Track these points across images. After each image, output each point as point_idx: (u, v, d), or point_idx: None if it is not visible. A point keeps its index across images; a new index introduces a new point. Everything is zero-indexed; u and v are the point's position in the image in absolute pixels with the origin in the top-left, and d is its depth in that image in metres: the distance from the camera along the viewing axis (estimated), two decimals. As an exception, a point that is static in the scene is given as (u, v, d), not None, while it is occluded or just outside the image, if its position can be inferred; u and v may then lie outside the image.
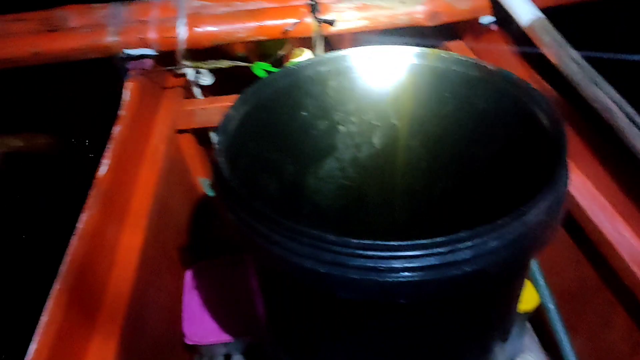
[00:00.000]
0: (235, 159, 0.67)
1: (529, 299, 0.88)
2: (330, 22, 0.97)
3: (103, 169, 0.77)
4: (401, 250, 0.47)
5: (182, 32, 0.94)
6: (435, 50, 0.73)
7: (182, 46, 0.95)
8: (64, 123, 1.50)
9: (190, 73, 1.08)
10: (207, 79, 1.11)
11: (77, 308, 0.63)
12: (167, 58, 1.02)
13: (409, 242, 0.47)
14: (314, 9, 0.96)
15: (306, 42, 1.05)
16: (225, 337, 0.89)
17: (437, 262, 0.48)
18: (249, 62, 1.10)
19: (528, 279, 0.89)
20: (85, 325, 0.66)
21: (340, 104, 0.78)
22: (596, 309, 0.83)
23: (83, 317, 0.66)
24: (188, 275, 0.98)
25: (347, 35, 1.54)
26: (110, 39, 0.95)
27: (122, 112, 0.89)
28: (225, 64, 0.98)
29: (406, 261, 0.48)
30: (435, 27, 1.04)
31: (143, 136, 0.93)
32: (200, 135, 1.17)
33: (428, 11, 0.98)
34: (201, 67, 1.02)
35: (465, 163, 0.77)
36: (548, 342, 0.93)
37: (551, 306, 0.87)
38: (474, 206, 0.79)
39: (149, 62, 0.98)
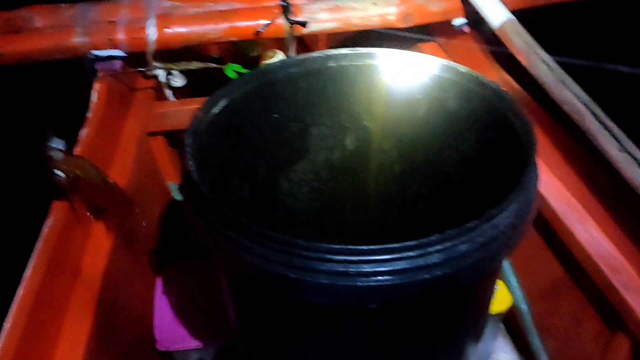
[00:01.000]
0: (205, 162, 0.66)
1: (501, 300, 0.88)
2: (303, 24, 0.96)
3: (69, 173, 0.75)
4: (371, 255, 0.47)
5: (151, 33, 0.92)
6: (407, 52, 0.73)
7: (151, 47, 0.93)
8: (29, 126, 1.47)
9: (161, 74, 1.07)
10: (179, 81, 1.10)
11: (39, 319, 0.62)
12: (137, 59, 1.00)
13: (379, 246, 0.47)
14: (286, 10, 0.95)
15: (280, 44, 1.04)
16: (197, 343, 0.88)
17: (407, 266, 0.47)
18: (223, 63, 1.09)
19: (501, 280, 0.90)
20: (49, 333, 0.64)
21: (312, 106, 0.78)
22: (568, 309, 0.84)
23: (47, 325, 0.64)
24: (159, 280, 0.96)
25: (322, 36, 1.55)
26: (77, 39, 0.93)
27: (90, 115, 0.87)
28: (196, 65, 0.97)
29: (376, 265, 0.47)
30: (410, 28, 1.04)
31: (111, 139, 0.91)
32: (172, 137, 1.15)
33: (400, 13, 0.98)
34: (172, 69, 1.01)
35: (437, 165, 0.77)
36: (521, 343, 0.93)
37: (523, 307, 0.87)
38: (447, 208, 0.79)
39: (118, 64, 0.96)
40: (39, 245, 0.66)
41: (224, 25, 0.95)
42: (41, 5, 0.99)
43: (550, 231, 0.82)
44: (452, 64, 0.69)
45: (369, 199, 0.87)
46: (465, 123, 0.70)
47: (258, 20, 0.96)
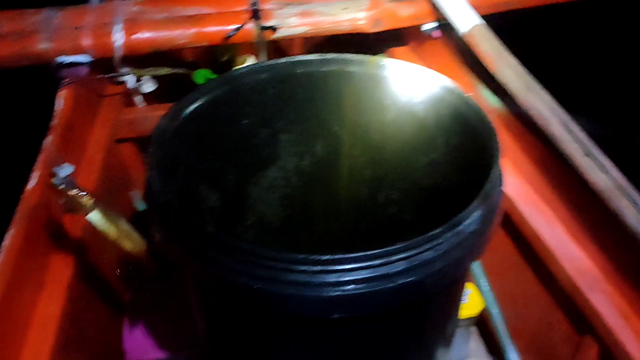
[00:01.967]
0: (171, 170, 0.65)
1: (473, 304, 0.88)
2: (273, 29, 0.95)
3: (32, 182, 0.74)
4: (334, 264, 0.46)
5: (118, 39, 0.91)
6: (375, 58, 0.72)
7: (118, 53, 0.92)
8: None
9: (130, 80, 1.05)
10: (149, 86, 1.09)
11: (1, 331, 0.60)
12: (105, 65, 0.98)
13: (342, 256, 0.46)
14: (255, 15, 0.94)
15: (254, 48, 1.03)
16: (166, 353, 0.87)
17: (371, 275, 0.47)
18: (196, 68, 1.08)
19: (472, 284, 0.90)
20: (13, 345, 0.63)
21: (281, 112, 0.77)
22: (538, 313, 0.84)
23: (10, 337, 0.63)
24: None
25: (297, 40, 1.54)
26: (42, 45, 0.91)
27: (55, 122, 0.85)
28: (164, 71, 0.95)
29: (340, 275, 0.47)
30: (382, 33, 1.04)
31: (78, 146, 0.90)
32: (143, 144, 1.14)
33: (370, 18, 0.98)
34: (141, 74, 0.99)
35: (407, 170, 0.77)
36: (494, 346, 0.93)
37: (495, 310, 0.88)
38: (418, 213, 0.80)
39: (84, 70, 0.95)
40: (1, 257, 0.64)
41: (193, 30, 0.94)
42: (5, 11, 0.97)
43: (519, 235, 0.83)
44: (420, 69, 0.69)
45: (340, 204, 0.87)
46: (433, 128, 0.70)
47: (227, 25, 0.95)
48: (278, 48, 1.58)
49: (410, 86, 0.70)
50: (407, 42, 1.20)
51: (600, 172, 0.63)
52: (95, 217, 0.66)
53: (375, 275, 0.47)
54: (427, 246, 0.48)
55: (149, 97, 1.13)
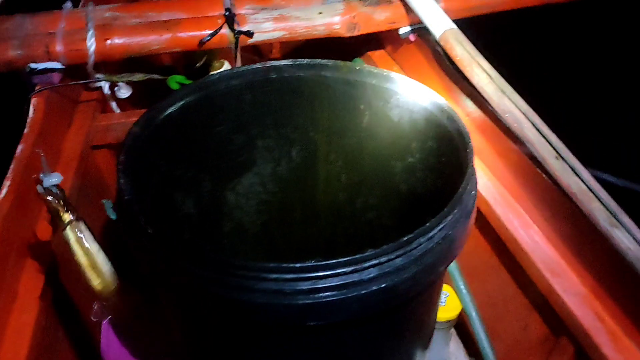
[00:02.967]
0: (145, 178, 0.64)
1: (452, 306, 0.88)
2: (248, 34, 0.95)
3: (2, 192, 0.72)
4: (306, 272, 0.46)
5: (90, 45, 0.89)
6: (348, 63, 0.72)
7: (91, 59, 0.91)
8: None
9: (106, 86, 1.04)
10: (124, 92, 1.07)
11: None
12: (78, 71, 0.97)
13: (313, 263, 0.46)
14: (230, 20, 0.94)
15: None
16: (144, 362, 0.86)
17: (343, 282, 0.47)
18: (173, 73, 1.07)
19: (451, 286, 0.90)
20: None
21: (256, 118, 0.77)
22: (515, 315, 0.85)
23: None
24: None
25: (275, 44, 1.54)
26: (13, 52, 0.89)
27: (27, 130, 0.84)
28: (138, 77, 0.94)
29: (312, 282, 0.46)
30: (359, 37, 1.04)
31: (51, 154, 0.88)
32: (119, 150, 1.12)
33: (345, 22, 0.98)
34: (114, 80, 0.98)
35: (384, 175, 0.77)
36: (473, 348, 0.94)
37: (473, 313, 0.88)
38: (395, 218, 0.80)
39: (57, 76, 0.93)
40: None
41: (167, 35, 0.93)
42: (-25, 18, 0.95)
43: (496, 237, 0.83)
44: (393, 73, 0.69)
45: (318, 209, 0.87)
46: (407, 133, 0.70)
47: (202, 30, 0.94)
48: (259, 51, 1.58)
49: (384, 91, 0.71)
50: (384, 46, 1.21)
51: (571, 174, 0.64)
52: (68, 235, 0.64)
53: (348, 282, 0.47)
54: (399, 252, 0.48)
55: (124, 103, 1.11)
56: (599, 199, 0.61)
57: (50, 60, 0.90)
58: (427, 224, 0.49)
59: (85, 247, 0.66)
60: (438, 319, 0.85)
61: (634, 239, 0.58)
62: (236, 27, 0.94)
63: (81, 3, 1.08)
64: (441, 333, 0.91)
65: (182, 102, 0.69)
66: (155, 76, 0.95)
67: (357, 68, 0.72)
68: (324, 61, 0.73)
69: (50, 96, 0.92)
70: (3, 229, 0.69)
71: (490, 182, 0.86)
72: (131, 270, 0.95)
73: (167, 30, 0.93)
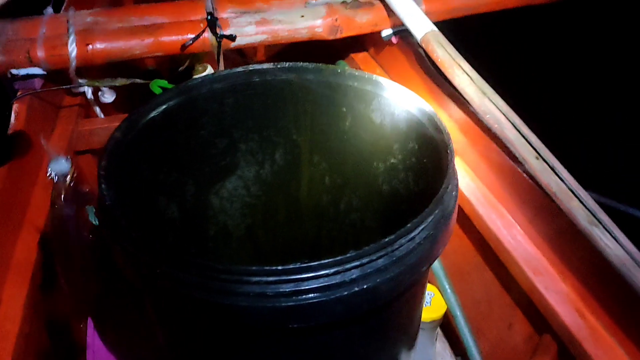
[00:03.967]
0: (128, 183, 0.64)
1: (437, 306, 0.89)
2: (231, 37, 0.95)
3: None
4: (288, 274, 0.46)
5: (72, 50, 0.89)
6: (330, 66, 0.73)
7: (73, 64, 0.90)
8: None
9: (89, 91, 1.04)
10: (108, 97, 1.07)
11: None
12: (60, 77, 0.97)
13: (295, 266, 0.46)
14: (212, 24, 0.94)
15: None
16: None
17: (325, 284, 0.47)
18: (156, 77, 1.06)
19: (436, 286, 0.91)
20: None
21: (239, 122, 0.77)
22: (499, 313, 0.86)
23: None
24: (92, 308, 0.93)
25: (260, 47, 1.55)
26: (-6, 58, 0.89)
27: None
28: (121, 81, 0.94)
29: (294, 285, 0.47)
30: (342, 39, 1.05)
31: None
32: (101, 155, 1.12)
33: (328, 25, 0.99)
34: (96, 85, 0.98)
35: (366, 176, 0.77)
36: (459, 348, 0.94)
37: (458, 313, 0.89)
38: (379, 219, 0.80)
39: (39, 82, 0.93)
40: None
41: (149, 40, 0.93)
42: (-46, 24, 0.95)
43: (480, 237, 0.84)
44: (374, 76, 0.70)
45: (302, 212, 0.87)
46: (389, 134, 0.71)
47: (184, 34, 0.94)
48: (243, 55, 1.58)
49: (366, 93, 0.71)
50: (367, 48, 1.22)
51: (551, 174, 0.65)
52: None
53: (331, 284, 0.47)
54: (380, 253, 0.48)
55: (108, 108, 1.11)
56: (578, 198, 0.62)
57: (31, 65, 0.90)
58: (409, 225, 0.49)
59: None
60: (423, 319, 0.85)
61: (612, 236, 0.59)
62: (218, 31, 0.94)
63: (62, 8, 1.08)
64: (427, 333, 0.91)
65: (164, 107, 0.69)
66: (138, 80, 0.95)
67: (339, 71, 0.72)
68: (306, 64, 0.73)
69: (32, 102, 0.91)
70: None
71: (473, 183, 0.87)
72: (117, 274, 0.95)
73: (149, 34, 0.93)
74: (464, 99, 0.81)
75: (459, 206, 0.84)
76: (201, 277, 0.47)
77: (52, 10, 1.00)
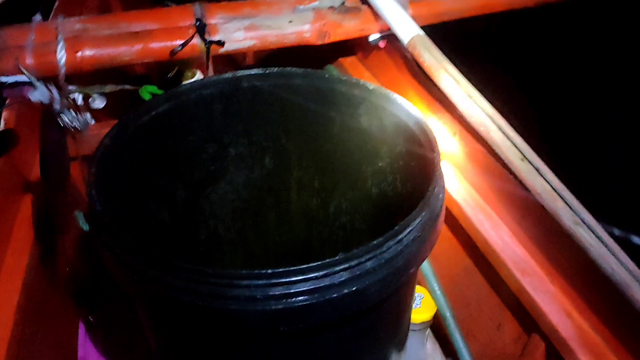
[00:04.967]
0: (119, 189, 0.64)
1: (428, 307, 0.90)
2: (220, 43, 0.96)
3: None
4: (277, 278, 0.47)
5: (61, 57, 0.89)
6: (318, 71, 0.73)
7: (62, 71, 0.90)
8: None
9: (79, 97, 1.04)
10: (99, 103, 1.07)
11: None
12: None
13: (285, 269, 0.47)
14: (201, 30, 0.94)
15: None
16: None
17: (314, 287, 0.47)
18: (151, 82, 1.06)
19: (425, 288, 0.91)
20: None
21: (228, 127, 0.78)
22: (489, 314, 0.86)
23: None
24: (83, 313, 0.93)
25: (249, 52, 1.55)
26: (-18, 66, 0.89)
27: (-2, 144, 0.83)
28: (110, 88, 0.94)
29: (284, 288, 0.47)
30: (330, 44, 1.06)
31: (23, 167, 0.88)
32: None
33: (315, 30, 0.99)
34: (86, 92, 0.98)
35: (355, 179, 0.78)
36: (449, 348, 0.95)
37: (447, 314, 0.89)
38: (368, 221, 0.81)
39: (28, 90, 0.93)
40: None
41: (138, 46, 0.93)
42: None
43: (468, 239, 0.85)
44: (361, 81, 0.70)
45: (292, 215, 0.88)
46: (377, 138, 0.72)
47: (173, 40, 0.94)
48: (232, 60, 1.59)
49: (354, 98, 0.72)
50: (355, 53, 1.23)
51: (536, 175, 0.65)
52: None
53: (319, 287, 0.48)
54: (369, 255, 0.49)
55: (99, 114, 1.11)
56: (563, 199, 0.63)
57: (21, 73, 0.90)
58: (396, 227, 0.50)
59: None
60: (414, 321, 0.86)
61: (596, 236, 0.60)
62: (207, 37, 0.95)
63: (51, 15, 1.08)
64: (417, 335, 0.92)
65: (153, 112, 0.69)
66: (127, 87, 0.95)
67: (327, 76, 0.73)
68: (295, 69, 0.74)
69: (21, 110, 0.91)
70: None
71: (461, 185, 0.88)
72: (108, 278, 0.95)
73: (138, 41, 0.93)
74: (451, 102, 0.82)
75: (447, 208, 0.85)
76: (191, 281, 0.48)
77: (40, 17, 1.00)
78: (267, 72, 0.74)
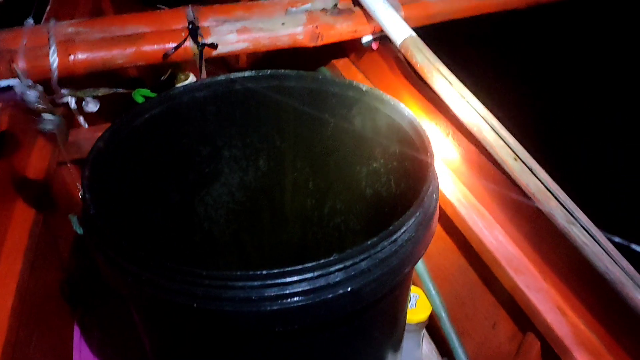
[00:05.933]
0: (112, 192, 0.64)
1: (423, 308, 0.90)
2: (212, 46, 0.96)
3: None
4: (272, 278, 0.47)
5: (53, 61, 0.89)
6: (311, 73, 0.74)
7: (55, 75, 0.90)
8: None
9: (72, 101, 1.03)
10: (92, 106, 1.06)
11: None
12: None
13: (279, 270, 0.47)
14: (194, 33, 0.94)
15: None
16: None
17: (309, 287, 0.48)
18: (144, 85, 1.06)
19: (420, 288, 0.92)
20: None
21: (221, 129, 0.78)
22: (484, 313, 0.87)
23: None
24: (78, 316, 0.93)
25: (242, 55, 1.55)
26: (-26, 70, 0.89)
27: (-10, 148, 0.83)
28: (103, 91, 0.94)
29: (279, 289, 0.47)
30: (324, 46, 1.06)
31: (16, 171, 0.88)
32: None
33: (308, 32, 1.00)
34: (79, 96, 0.98)
35: (349, 180, 0.78)
36: (445, 348, 0.95)
37: (442, 314, 0.90)
38: (363, 222, 0.81)
39: (22, 93, 0.92)
40: None
41: (131, 49, 0.93)
42: None
43: (462, 239, 0.85)
44: (354, 82, 0.70)
45: (287, 216, 0.88)
46: (371, 139, 0.72)
47: (166, 43, 0.94)
48: (225, 63, 1.59)
49: (347, 99, 0.72)
50: (348, 55, 1.23)
51: (529, 175, 0.66)
52: None
53: (314, 287, 0.48)
54: (363, 256, 0.49)
55: (93, 117, 1.11)
56: (556, 198, 0.63)
57: (13, 77, 0.90)
58: (391, 227, 0.50)
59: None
60: (409, 321, 0.86)
61: (590, 234, 0.61)
62: (200, 40, 0.95)
63: (43, 19, 1.07)
64: (413, 335, 0.92)
65: (146, 116, 0.69)
66: (120, 90, 0.95)
67: (320, 78, 0.73)
68: (288, 71, 0.74)
69: (14, 114, 0.91)
70: None
71: (454, 185, 0.88)
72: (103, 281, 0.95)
73: (130, 44, 0.93)
74: (444, 102, 0.82)
75: (442, 208, 0.86)
76: (186, 283, 0.48)
77: (32, 21, 1.00)
78: (260, 74, 0.74)
